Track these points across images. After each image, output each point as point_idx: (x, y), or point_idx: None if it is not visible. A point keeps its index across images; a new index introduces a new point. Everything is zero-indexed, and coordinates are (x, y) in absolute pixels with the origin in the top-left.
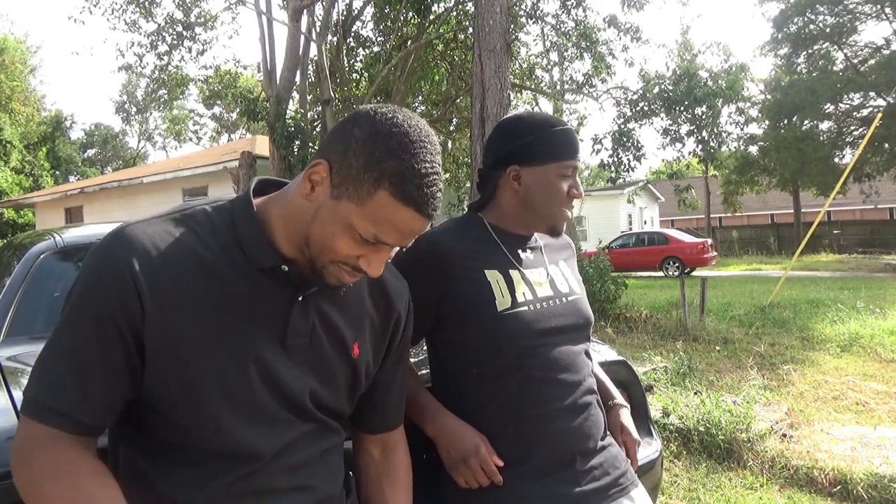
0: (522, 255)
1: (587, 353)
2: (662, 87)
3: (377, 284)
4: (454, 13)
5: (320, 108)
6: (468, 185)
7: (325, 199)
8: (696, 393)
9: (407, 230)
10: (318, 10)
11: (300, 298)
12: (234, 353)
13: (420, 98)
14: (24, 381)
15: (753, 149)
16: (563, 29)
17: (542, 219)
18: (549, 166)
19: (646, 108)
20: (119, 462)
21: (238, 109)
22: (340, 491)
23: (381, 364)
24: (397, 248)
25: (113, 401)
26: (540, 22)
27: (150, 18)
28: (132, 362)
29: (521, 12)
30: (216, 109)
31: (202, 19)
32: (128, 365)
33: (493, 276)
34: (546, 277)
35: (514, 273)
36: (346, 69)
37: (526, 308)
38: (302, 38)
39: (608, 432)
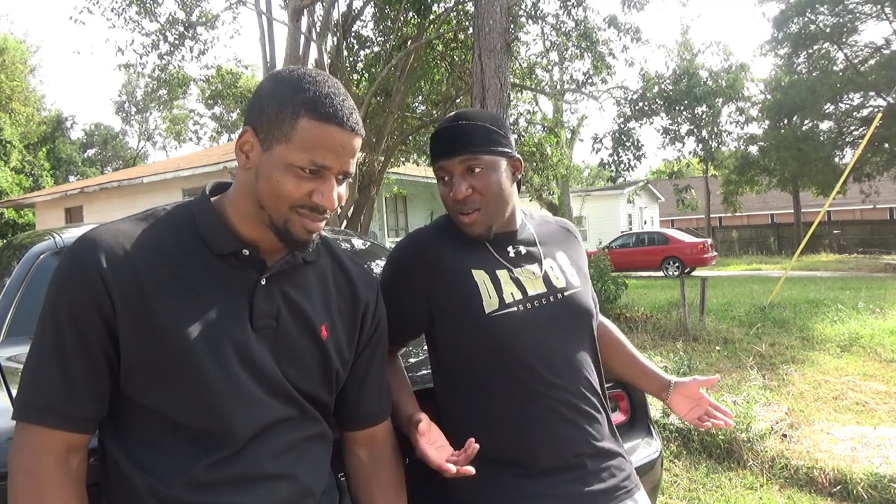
0: (512, 252)
1: (592, 347)
2: (662, 86)
3: (341, 271)
4: (454, 13)
5: None
6: None
7: (260, 157)
8: None
9: (339, 147)
10: (318, 10)
11: (263, 282)
12: (207, 335)
13: (420, 98)
14: None
15: (753, 149)
16: (563, 29)
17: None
18: None
19: (646, 108)
20: (105, 460)
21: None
22: (327, 486)
23: (354, 352)
24: (347, 183)
25: (97, 392)
26: (540, 22)
27: (152, 18)
28: (109, 355)
29: (521, 12)
30: (216, 109)
31: (203, 19)
32: (105, 358)
33: (479, 276)
34: (540, 273)
35: (501, 273)
36: (347, 69)
37: (514, 309)
38: (302, 38)
39: (613, 434)
